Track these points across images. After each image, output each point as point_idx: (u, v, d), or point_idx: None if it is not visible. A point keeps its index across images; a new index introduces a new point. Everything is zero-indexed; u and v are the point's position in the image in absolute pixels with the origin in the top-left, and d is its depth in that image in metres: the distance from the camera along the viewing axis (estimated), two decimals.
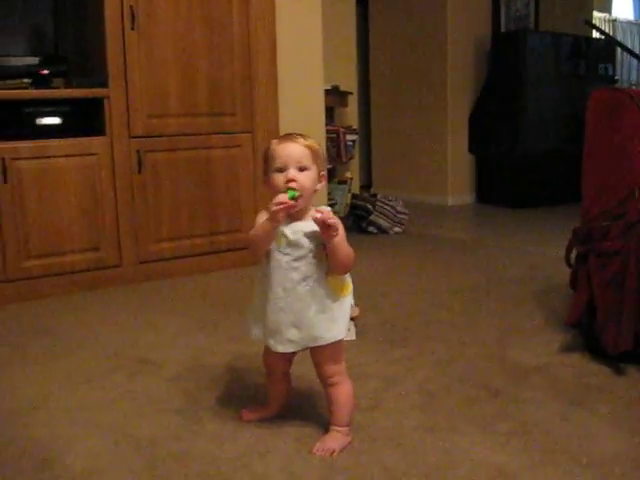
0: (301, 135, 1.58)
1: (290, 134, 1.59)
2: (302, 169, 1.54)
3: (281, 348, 1.60)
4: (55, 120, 3.33)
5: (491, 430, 1.79)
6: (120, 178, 3.47)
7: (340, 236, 1.51)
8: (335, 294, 1.58)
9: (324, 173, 1.60)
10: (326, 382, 1.67)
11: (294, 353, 1.71)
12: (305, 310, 1.57)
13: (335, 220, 1.49)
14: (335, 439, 1.67)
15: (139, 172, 3.52)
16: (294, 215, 1.55)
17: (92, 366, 2.35)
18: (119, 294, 3.34)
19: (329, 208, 1.54)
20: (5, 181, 3.21)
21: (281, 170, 1.54)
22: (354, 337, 2.47)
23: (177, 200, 3.66)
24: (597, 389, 2.04)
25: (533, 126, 5.88)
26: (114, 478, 1.59)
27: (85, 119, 3.45)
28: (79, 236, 3.41)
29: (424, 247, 4.35)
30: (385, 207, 4.85)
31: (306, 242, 1.56)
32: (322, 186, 1.60)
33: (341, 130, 4.84)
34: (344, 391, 1.67)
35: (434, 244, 4.44)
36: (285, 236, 1.56)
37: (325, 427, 1.75)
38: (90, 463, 1.67)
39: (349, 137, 4.91)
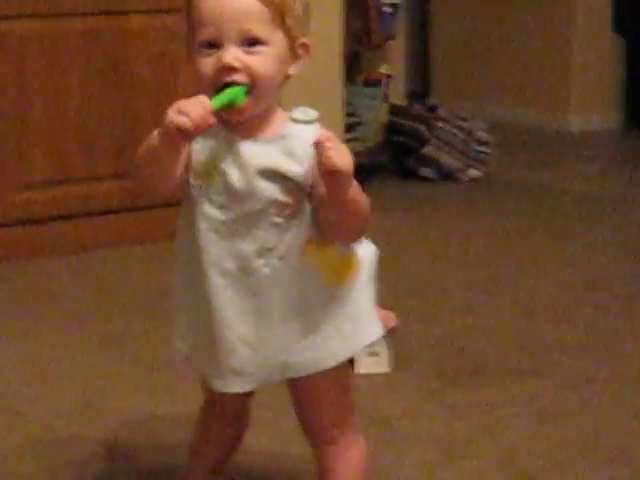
0: None
1: None
2: (252, 42, 1.15)
3: (223, 386, 1.27)
4: None
5: None
6: None
7: (352, 184, 1.17)
8: (329, 278, 1.26)
9: (305, 40, 1.22)
10: (318, 439, 1.35)
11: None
12: (266, 311, 1.25)
13: (348, 163, 1.11)
14: None
15: None
16: (243, 127, 1.18)
17: None
18: None
19: (316, 122, 1.19)
20: None
21: (212, 45, 1.16)
22: (387, 368, 2.12)
23: (64, 114, 2.74)
24: None
25: None
26: None
27: None
28: None
29: (519, 206, 3.47)
30: (453, 132, 3.76)
31: (266, 186, 1.19)
32: (301, 66, 1.22)
33: None
34: (351, 456, 1.36)
35: (540, 201, 3.53)
36: (222, 172, 1.20)
37: None
38: None
39: None
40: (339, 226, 1.22)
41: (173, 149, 1.17)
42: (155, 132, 1.19)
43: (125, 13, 2.79)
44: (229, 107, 1.14)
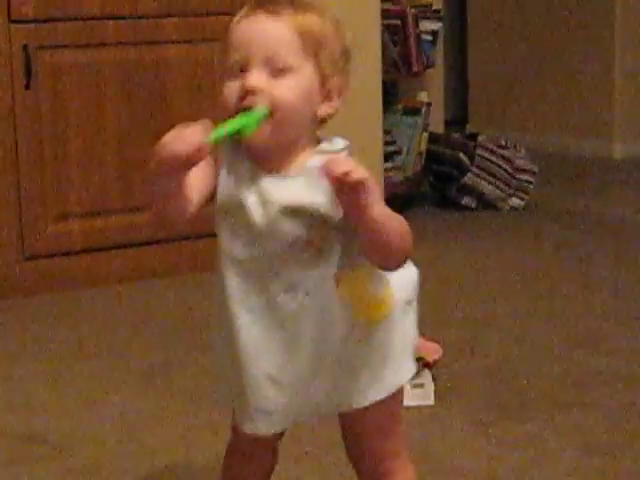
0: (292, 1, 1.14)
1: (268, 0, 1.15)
2: (279, 69, 1.12)
3: (251, 428, 1.22)
4: None
5: None
6: None
7: (377, 202, 1.11)
8: (359, 314, 1.21)
9: (340, 84, 1.16)
10: (371, 471, 1.32)
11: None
12: (293, 347, 1.21)
13: (360, 174, 1.06)
14: None
15: (27, 86, 2.60)
16: (267, 161, 1.14)
17: None
18: None
19: (342, 151, 1.15)
20: None
21: (240, 70, 1.13)
22: (431, 400, 2.09)
23: (101, 145, 2.73)
24: None
25: None
26: None
27: None
28: None
29: (563, 235, 3.44)
30: (493, 160, 3.78)
31: (289, 224, 1.16)
32: (332, 108, 1.16)
33: (410, 12, 3.68)
34: None
35: (583, 230, 3.50)
36: (245, 209, 1.16)
37: None
38: None
39: (426, 26, 3.78)
40: (373, 250, 1.17)
41: (170, 178, 1.12)
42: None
43: (161, 43, 2.80)
44: (235, 135, 1.09)
